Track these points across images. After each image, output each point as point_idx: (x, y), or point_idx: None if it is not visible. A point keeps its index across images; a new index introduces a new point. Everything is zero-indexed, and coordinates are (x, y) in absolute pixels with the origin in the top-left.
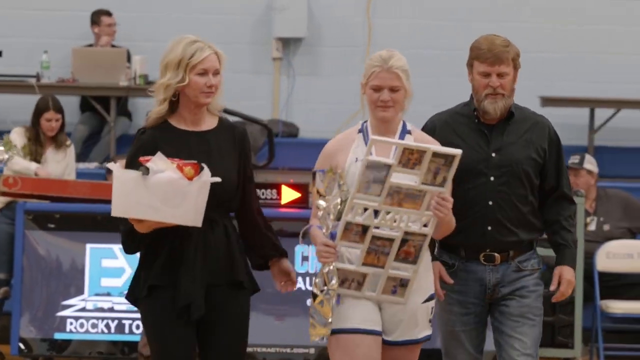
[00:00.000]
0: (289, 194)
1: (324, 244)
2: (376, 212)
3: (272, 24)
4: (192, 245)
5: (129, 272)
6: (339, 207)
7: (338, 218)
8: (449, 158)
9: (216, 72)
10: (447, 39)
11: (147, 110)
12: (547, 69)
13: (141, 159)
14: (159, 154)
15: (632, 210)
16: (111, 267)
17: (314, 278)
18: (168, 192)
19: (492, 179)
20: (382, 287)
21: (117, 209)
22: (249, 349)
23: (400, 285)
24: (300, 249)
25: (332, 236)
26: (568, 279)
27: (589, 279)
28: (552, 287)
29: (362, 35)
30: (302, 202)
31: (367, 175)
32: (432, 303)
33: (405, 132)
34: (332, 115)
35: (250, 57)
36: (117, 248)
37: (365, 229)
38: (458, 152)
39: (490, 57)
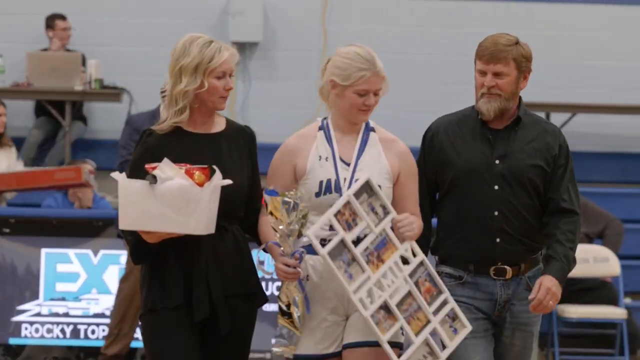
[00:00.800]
0: None
1: (283, 263)
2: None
3: (228, 29)
4: (202, 256)
5: (84, 277)
6: (297, 227)
7: (299, 235)
8: (365, 188)
9: (232, 73)
10: (401, 44)
11: (102, 114)
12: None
13: (147, 166)
14: (166, 160)
15: (588, 216)
16: (66, 272)
17: (278, 294)
18: (179, 201)
19: (496, 187)
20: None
21: (125, 222)
22: None
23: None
24: (255, 253)
25: (300, 256)
26: (547, 286)
27: None
28: (531, 296)
29: (317, 40)
30: None
31: (339, 264)
32: None
33: (369, 129)
34: (288, 120)
35: None
36: (73, 253)
37: (388, 308)
38: (365, 177)
39: (487, 55)
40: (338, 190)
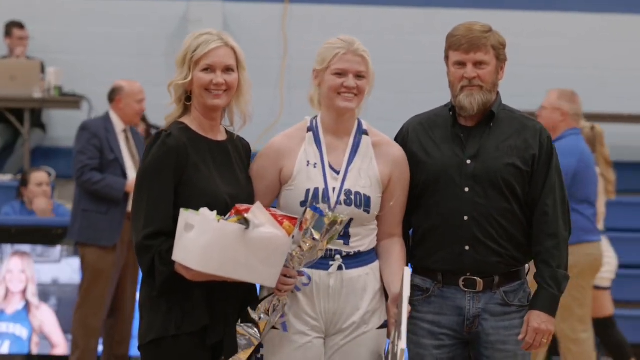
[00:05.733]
0: None
1: (284, 274)
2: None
3: (188, 36)
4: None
5: None
6: (322, 251)
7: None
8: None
9: (227, 69)
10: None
11: (61, 122)
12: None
13: (238, 207)
14: (258, 204)
15: None
16: None
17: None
18: (267, 251)
19: (466, 189)
20: None
21: (207, 265)
22: None
23: None
24: None
25: (307, 278)
26: (534, 326)
27: None
28: (520, 337)
29: (277, 49)
30: None
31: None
32: (385, 333)
33: (361, 132)
34: (248, 127)
35: (166, 70)
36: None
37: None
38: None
39: (465, 44)
40: (326, 200)
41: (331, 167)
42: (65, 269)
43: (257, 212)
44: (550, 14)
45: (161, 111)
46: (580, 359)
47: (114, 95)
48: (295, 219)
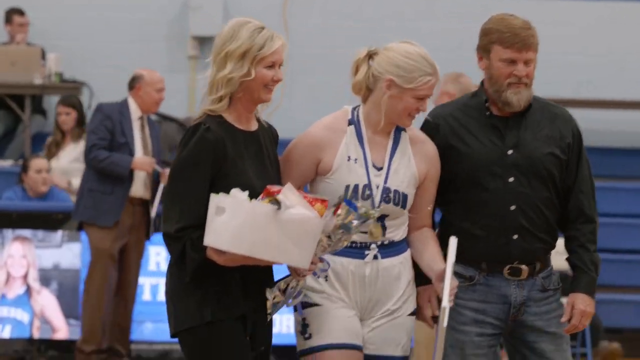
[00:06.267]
0: None
1: None
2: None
3: (188, 22)
4: (248, 268)
5: None
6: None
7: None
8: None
9: (281, 64)
10: (362, 39)
11: None
12: (464, 70)
13: (270, 188)
14: (289, 186)
15: None
16: None
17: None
18: (299, 232)
19: (510, 180)
20: None
21: (240, 246)
22: (166, 347)
23: None
24: None
25: (326, 264)
26: (581, 309)
27: None
28: (564, 319)
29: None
30: None
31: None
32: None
33: (399, 128)
34: None
35: (166, 55)
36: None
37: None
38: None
39: (518, 43)
40: (369, 196)
41: (373, 165)
42: (66, 253)
43: (288, 194)
44: (559, 3)
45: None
46: None
47: (134, 83)
48: (327, 201)
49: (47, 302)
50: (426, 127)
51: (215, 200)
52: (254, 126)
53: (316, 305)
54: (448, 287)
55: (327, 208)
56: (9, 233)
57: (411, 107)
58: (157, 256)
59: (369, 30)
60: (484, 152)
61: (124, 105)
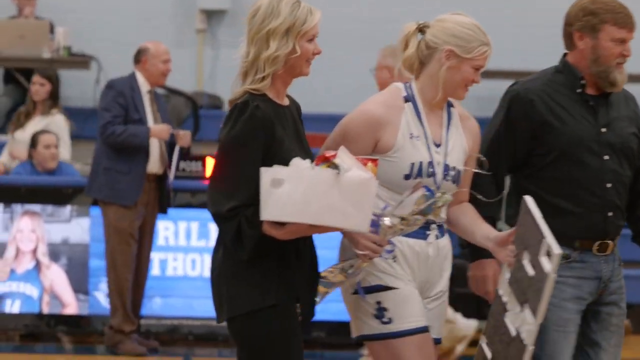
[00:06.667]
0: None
1: (372, 240)
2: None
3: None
4: (300, 247)
5: None
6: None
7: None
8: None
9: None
10: (370, 12)
11: (70, 82)
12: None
13: (325, 154)
14: (344, 149)
15: None
16: None
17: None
18: (358, 194)
19: (605, 157)
20: None
21: (307, 215)
22: (175, 322)
23: None
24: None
25: (392, 245)
26: None
27: None
28: None
29: None
30: None
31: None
32: None
33: (449, 105)
34: None
35: (174, 29)
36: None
37: None
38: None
39: (630, 23)
40: (432, 174)
41: (433, 141)
42: (75, 228)
43: (343, 157)
44: None
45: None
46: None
47: (139, 56)
48: (377, 160)
49: (56, 277)
50: (519, 102)
51: (270, 172)
52: (286, 101)
53: (392, 288)
54: (551, 235)
55: (376, 165)
56: (18, 208)
57: (469, 77)
58: (165, 231)
59: (377, 9)
60: (581, 129)
61: (133, 80)
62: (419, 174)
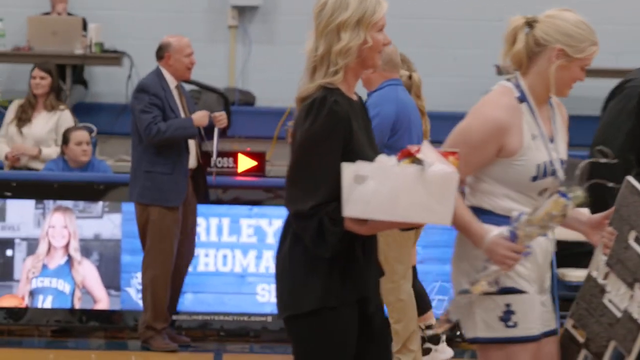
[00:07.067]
0: (245, 163)
1: (512, 250)
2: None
3: None
4: (373, 241)
5: None
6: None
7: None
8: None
9: None
10: (410, 7)
11: (103, 78)
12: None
13: (409, 148)
14: (427, 143)
15: None
16: None
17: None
18: (441, 189)
19: None
20: None
21: (395, 211)
22: (206, 318)
23: None
24: (247, 221)
25: (529, 252)
26: None
27: None
28: None
29: None
30: (258, 171)
31: None
32: None
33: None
34: (288, 84)
35: (206, 25)
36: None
37: None
38: None
39: None
40: (553, 172)
41: (548, 138)
42: (107, 224)
43: (426, 152)
44: None
45: (200, 68)
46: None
47: (162, 52)
48: (457, 153)
49: (88, 272)
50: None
51: (353, 168)
52: (354, 95)
53: (523, 292)
54: None
55: (457, 159)
56: (50, 204)
57: (577, 77)
58: (197, 227)
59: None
60: None
61: (161, 79)
62: (544, 174)
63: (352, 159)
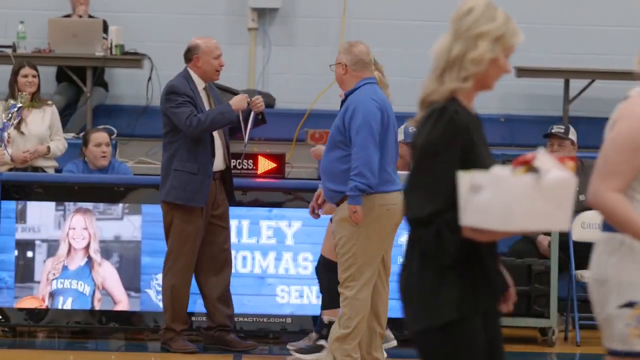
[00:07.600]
0: (265, 164)
1: None
2: None
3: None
4: (489, 252)
5: None
6: None
7: None
8: None
9: None
10: (417, 11)
11: (123, 80)
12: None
13: (525, 156)
14: (543, 150)
15: None
16: None
17: None
18: (559, 195)
19: None
20: None
21: (513, 222)
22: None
23: None
24: (267, 222)
25: None
26: None
27: (564, 249)
28: None
29: (337, 7)
30: (278, 172)
31: None
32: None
33: None
34: (308, 86)
35: (225, 28)
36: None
37: None
38: None
39: None
40: None
41: None
42: (127, 226)
43: (543, 159)
44: None
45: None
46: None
47: (190, 54)
48: (575, 157)
49: (108, 274)
50: None
51: (469, 177)
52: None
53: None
54: None
55: (575, 162)
56: (70, 205)
57: None
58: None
59: (429, 2)
60: None
61: (190, 81)
62: None
63: (471, 168)
